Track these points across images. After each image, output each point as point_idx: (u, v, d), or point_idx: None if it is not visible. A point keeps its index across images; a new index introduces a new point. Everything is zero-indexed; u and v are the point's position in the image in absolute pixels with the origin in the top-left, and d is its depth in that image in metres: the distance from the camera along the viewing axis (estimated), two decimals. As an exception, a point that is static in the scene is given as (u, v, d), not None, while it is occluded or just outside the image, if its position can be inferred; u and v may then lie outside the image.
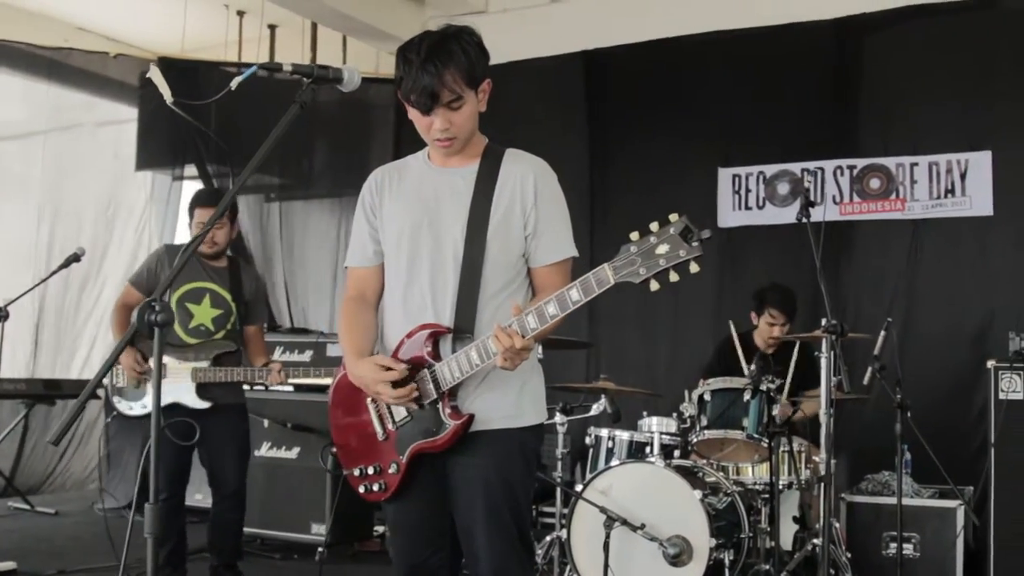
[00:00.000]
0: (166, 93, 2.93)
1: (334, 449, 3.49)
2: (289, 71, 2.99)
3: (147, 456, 5.73)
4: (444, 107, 3.15)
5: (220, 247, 5.85)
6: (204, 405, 5.61)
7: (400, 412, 3.27)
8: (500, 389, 3.22)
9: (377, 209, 3.42)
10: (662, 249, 2.81)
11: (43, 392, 7.73)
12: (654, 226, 2.84)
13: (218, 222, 5.71)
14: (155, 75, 2.80)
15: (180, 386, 5.60)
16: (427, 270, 3.27)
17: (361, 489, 3.39)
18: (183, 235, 8.35)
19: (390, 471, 3.29)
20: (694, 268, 2.80)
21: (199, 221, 5.80)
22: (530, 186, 3.26)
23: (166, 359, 5.64)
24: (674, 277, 2.82)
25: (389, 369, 3.17)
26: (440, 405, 3.19)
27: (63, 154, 9.45)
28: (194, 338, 5.71)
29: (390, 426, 3.30)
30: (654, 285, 2.84)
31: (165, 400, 5.62)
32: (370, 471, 3.34)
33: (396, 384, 3.16)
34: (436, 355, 3.19)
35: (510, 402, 3.24)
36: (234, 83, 2.94)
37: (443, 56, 3.12)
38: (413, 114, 3.24)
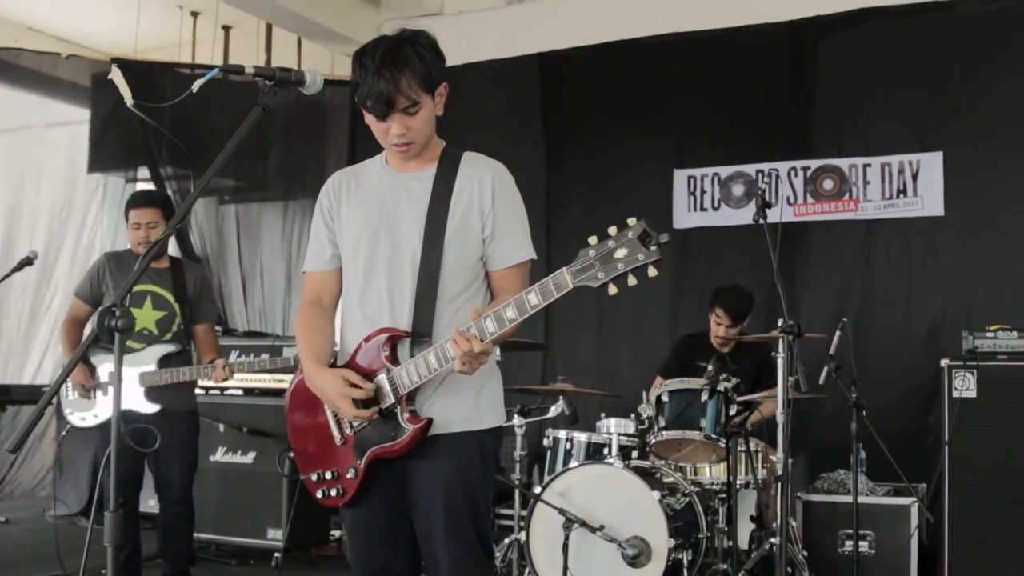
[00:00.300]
0: (127, 95, 2.91)
1: (291, 454, 3.47)
2: (251, 74, 2.97)
3: (105, 464, 5.73)
4: (401, 112, 3.15)
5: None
6: (154, 408, 5.58)
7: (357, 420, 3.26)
8: (458, 392, 3.22)
9: (335, 213, 3.41)
10: (620, 253, 2.82)
11: (-8, 398, 7.63)
12: (612, 230, 2.85)
13: (152, 221, 5.78)
14: (116, 76, 2.78)
15: (129, 391, 5.55)
16: (384, 275, 3.27)
17: (319, 494, 3.37)
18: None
19: (348, 476, 3.28)
20: (652, 272, 2.81)
21: (134, 222, 5.80)
22: (488, 189, 3.26)
23: (112, 366, 5.59)
24: (632, 281, 2.83)
25: (354, 386, 3.16)
26: (398, 410, 3.18)
27: (14, 156, 9.34)
28: (139, 343, 5.67)
29: (348, 431, 3.29)
30: (612, 289, 2.86)
31: (110, 410, 5.58)
32: (328, 476, 3.33)
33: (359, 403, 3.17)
34: (394, 359, 3.19)
35: (468, 405, 3.24)
36: (196, 85, 2.90)
37: (399, 61, 3.11)
38: (370, 119, 3.24)
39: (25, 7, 9.20)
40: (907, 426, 6.88)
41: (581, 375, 7.36)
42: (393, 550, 3.35)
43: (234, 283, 9.37)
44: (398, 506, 3.30)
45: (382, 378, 3.18)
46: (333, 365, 3.30)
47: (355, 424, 3.26)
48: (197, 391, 5.94)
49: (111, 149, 9.34)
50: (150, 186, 9.02)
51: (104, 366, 5.69)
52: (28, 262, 5.94)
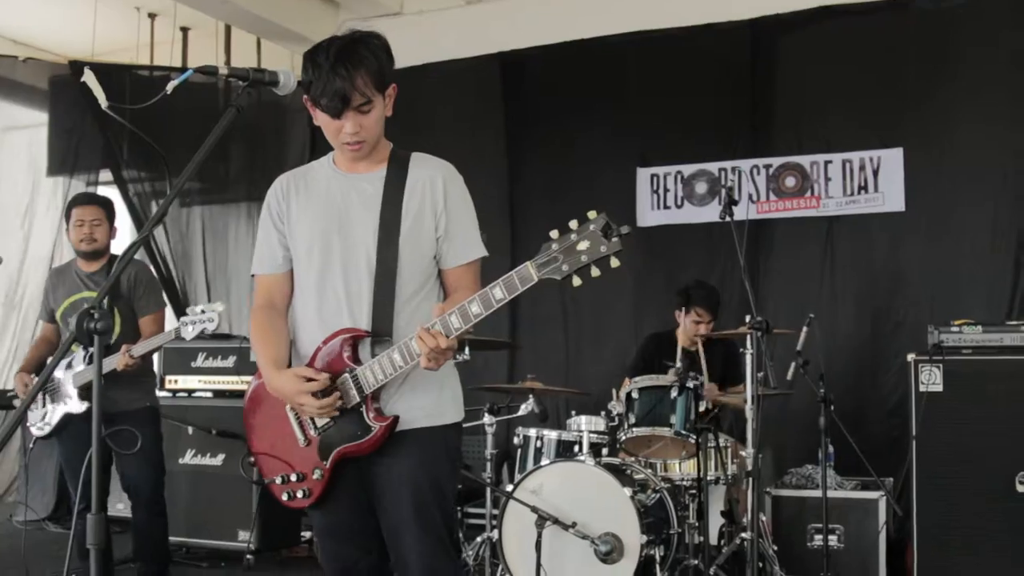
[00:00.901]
0: (101, 97, 2.87)
1: (252, 459, 3.46)
2: (225, 74, 2.98)
3: (83, 467, 5.68)
4: (354, 111, 3.18)
5: (99, 244, 5.79)
6: (84, 407, 5.47)
7: (322, 418, 3.26)
8: (421, 389, 3.25)
9: (284, 216, 3.42)
10: (583, 245, 2.87)
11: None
12: (574, 224, 2.91)
13: (96, 219, 5.78)
14: (90, 79, 2.76)
15: (68, 395, 5.56)
16: (340, 276, 3.28)
17: (284, 497, 3.37)
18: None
19: (314, 477, 3.28)
20: (615, 263, 2.87)
21: (78, 219, 5.78)
22: (440, 189, 3.31)
23: (58, 374, 5.62)
24: (595, 272, 2.88)
25: (311, 380, 3.17)
26: (364, 409, 3.19)
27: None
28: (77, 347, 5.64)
29: (312, 432, 3.29)
30: (576, 280, 2.89)
31: (58, 415, 5.63)
32: (292, 478, 3.32)
33: (319, 395, 3.18)
34: (356, 359, 3.21)
35: (431, 401, 3.27)
36: (170, 86, 2.89)
37: (353, 59, 3.14)
38: (321, 119, 3.25)
39: (-22, 10, 9.12)
40: (874, 421, 6.98)
41: (547, 373, 7.36)
42: (363, 549, 3.38)
43: (200, 285, 9.33)
44: (366, 504, 3.32)
45: (345, 377, 3.19)
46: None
47: (319, 424, 3.27)
48: (163, 394, 5.90)
49: (72, 152, 9.26)
50: (113, 189, 8.96)
51: (56, 372, 5.61)
52: (-8, 265, 5.90)
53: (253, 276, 3.53)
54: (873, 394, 7.10)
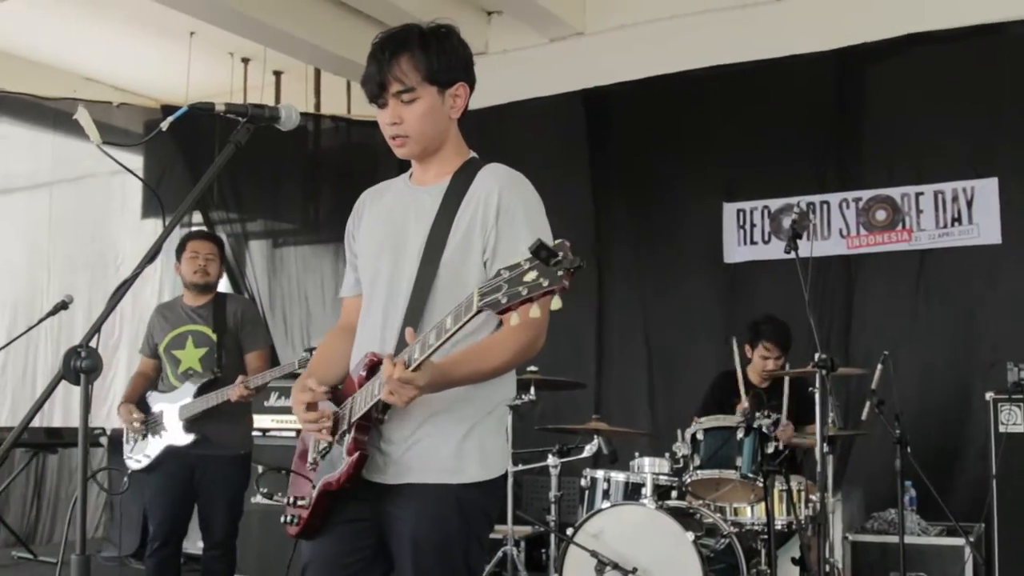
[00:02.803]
0: (93, 135, 2.87)
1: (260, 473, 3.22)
2: (222, 111, 2.94)
3: (150, 506, 5.73)
4: (395, 99, 2.93)
5: (211, 279, 5.87)
6: (189, 439, 5.55)
7: (322, 441, 2.99)
8: (440, 435, 2.88)
9: (356, 234, 3.22)
10: (530, 277, 2.34)
11: (45, 441, 7.71)
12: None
13: (211, 254, 5.87)
14: (82, 117, 2.76)
15: (172, 428, 5.61)
16: (383, 296, 3.02)
17: (282, 519, 3.09)
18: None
19: (302, 503, 3.00)
20: (556, 304, 2.33)
21: (192, 251, 5.86)
22: (493, 203, 2.93)
23: (163, 407, 5.67)
24: (556, 305, 2.32)
25: (309, 390, 2.95)
26: (347, 437, 2.88)
27: (69, 204, 9.49)
28: (183, 383, 5.72)
29: (315, 454, 3.02)
30: (514, 319, 2.38)
31: (159, 448, 5.66)
32: (294, 500, 3.06)
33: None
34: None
35: (448, 453, 2.89)
36: (165, 124, 2.91)
37: (398, 43, 2.93)
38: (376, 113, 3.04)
39: (81, 58, 9.39)
40: (963, 462, 6.68)
41: (630, 412, 7.26)
42: None
43: (293, 325, 9.40)
44: (367, 552, 2.97)
45: (347, 402, 2.94)
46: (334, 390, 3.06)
47: (319, 447, 2.99)
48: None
49: (165, 195, 9.45)
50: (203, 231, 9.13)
51: (158, 406, 5.73)
52: (63, 306, 5.99)
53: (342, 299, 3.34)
54: (963, 434, 6.80)
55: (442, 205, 2.98)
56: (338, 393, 3.04)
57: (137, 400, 5.86)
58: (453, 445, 2.89)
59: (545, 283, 2.29)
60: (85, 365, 2.67)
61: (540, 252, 2.29)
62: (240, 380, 5.46)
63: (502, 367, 2.90)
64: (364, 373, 2.91)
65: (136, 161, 9.43)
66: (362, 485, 2.90)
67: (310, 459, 3.04)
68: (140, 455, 5.77)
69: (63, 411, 9.19)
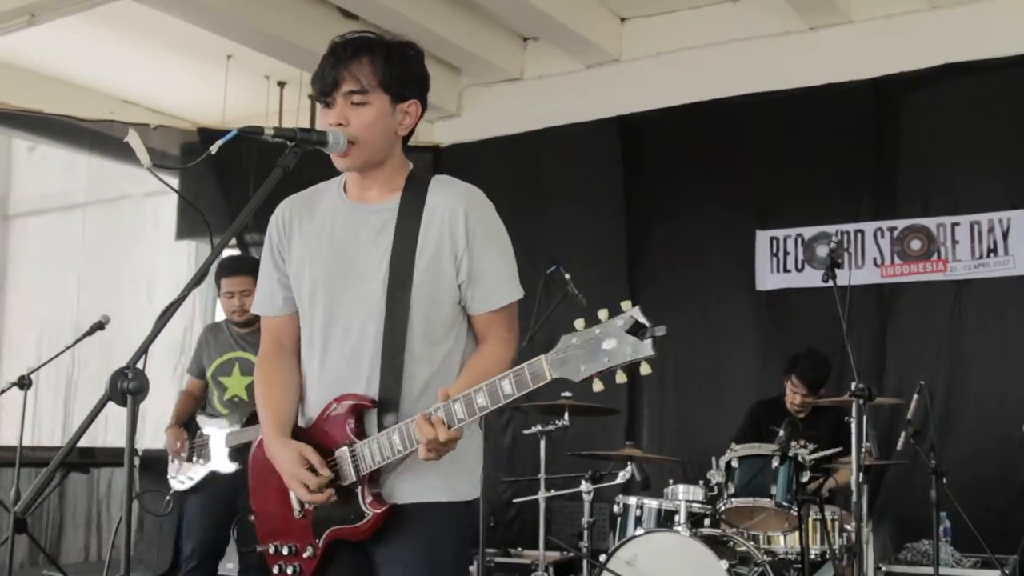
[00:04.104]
0: (144, 158, 2.87)
1: (251, 517, 3.08)
2: (271, 135, 2.89)
3: (186, 526, 5.74)
4: (344, 98, 2.83)
5: (250, 316, 5.70)
6: (233, 467, 5.58)
7: None
8: (430, 467, 2.78)
9: (285, 252, 3.03)
10: (608, 344, 2.42)
11: (78, 460, 7.72)
12: (603, 314, 2.48)
13: (246, 289, 5.73)
14: (133, 139, 2.76)
15: (217, 454, 5.65)
16: (344, 332, 2.87)
17: (275, 569, 2.98)
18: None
19: (306, 555, 2.89)
20: (645, 370, 2.45)
21: (227, 291, 5.85)
22: (460, 225, 2.84)
23: (209, 431, 5.71)
24: (621, 378, 2.47)
25: (311, 469, 2.79)
26: (360, 490, 2.80)
27: (103, 225, 9.55)
28: (228, 409, 5.74)
29: (308, 505, 2.89)
30: (597, 386, 2.50)
31: (203, 471, 5.72)
32: (285, 551, 2.94)
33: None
34: (360, 432, 2.81)
35: (437, 474, 2.82)
36: (214, 147, 2.87)
37: (361, 45, 2.86)
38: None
39: (120, 80, 9.45)
40: (997, 495, 6.64)
41: (664, 440, 7.23)
42: None
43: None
44: None
45: (344, 451, 2.81)
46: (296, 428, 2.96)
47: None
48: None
49: (199, 217, 9.51)
50: (236, 252, 9.15)
51: (207, 429, 5.78)
52: (100, 327, 6.04)
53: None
54: (998, 467, 6.76)
55: (398, 226, 2.87)
56: (309, 434, 2.92)
57: (186, 421, 5.91)
58: (443, 467, 2.78)
59: (629, 352, 2.44)
60: (132, 387, 2.67)
61: (637, 329, 2.39)
62: None
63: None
64: (354, 419, 2.82)
65: (173, 183, 9.50)
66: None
67: (300, 509, 2.92)
68: (183, 476, 5.82)
69: (93, 430, 9.23)
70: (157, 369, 6.08)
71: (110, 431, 9.20)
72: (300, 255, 3.00)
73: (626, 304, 2.45)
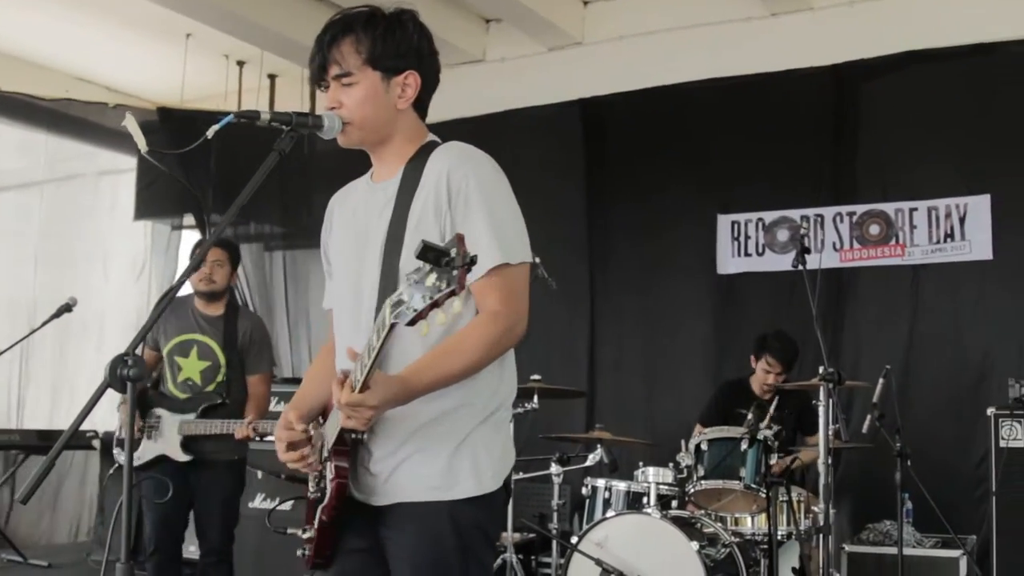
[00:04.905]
0: (140, 142, 2.85)
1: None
2: (267, 119, 2.85)
3: (137, 512, 5.66)
4: (335, 82, 2.81)
5: (217, 286, 5.73)
6: (186, 458, 5.53)
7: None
8: (429, 451, 2.70)
9: (329, 243, 3.08)
10: (430, 280, 2.15)
11: (37, 443, 7.67)
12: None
13: (218, 260, 5.73)
14: (130, 124, 2.74)
15: (169, 439, 5.56)
16: (352, 304, 2.84)
17: (298, 552, 2.95)
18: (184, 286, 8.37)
19: (306, 536, 2.86)
20: (456, 307, 2.18)
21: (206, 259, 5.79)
22: (443, 185, 2.73)
23: (161, 412, 5.63)
24: (441, 319, 2.19)
25: (290, 428, 2.79)
26: (327, 465, 2.74)
27: (61, 204, 9.48)
28: (183, 392, 5.66)
29: (315, 484, 2.86)
30: (423, 329, 2.22)
31: (154, 452, 5.61)
32: (304, 533, 2.89)
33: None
34: None
35: (439, 468, 2.70)
36: (210, 132, 2.84)
37: (342, 25, 2.82)
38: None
39: (75, 57, 9.33)
40: (956, 475, 6.74)
41: (623, 422, 7.27)
42: None
43: (280, 330, 9.37)
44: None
45: (326, 425, 2.82)
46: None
47: (317, 477, 2.84)
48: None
49: (157, 197, 9.44)
50: (195, 233, 9.10)
51: (158, 410, 5.67)
52: (67, 308, 5.98)
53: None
54: (956, 448, 6.86)
55: (397, 198, 2.82)
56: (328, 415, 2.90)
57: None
58: (444, 459, 2.70)
59: (443, 285, 2.14)
60: (132, 373, 2.64)
61: (427, 254, 2.14)
62: (250, 421, 5.42)
63: (473, 366, 2.66)
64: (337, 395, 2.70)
65: (130, 162, 9.43)
66: (359, 508, 2.77)
67: (312, 489, 2.87)
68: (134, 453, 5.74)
69: (52, 413, 9.17)
70: (116, 349, 6.03)
71: (72, 414, 9.15)
72: (335, 244, 3.03)
73: (449, 241, 2.18)
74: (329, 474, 2.73)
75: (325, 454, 2.76)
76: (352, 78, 2.80)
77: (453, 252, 2.12)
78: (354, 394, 2.49)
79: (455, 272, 2.12)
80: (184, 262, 5.85)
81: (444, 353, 2.62)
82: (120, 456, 5.79)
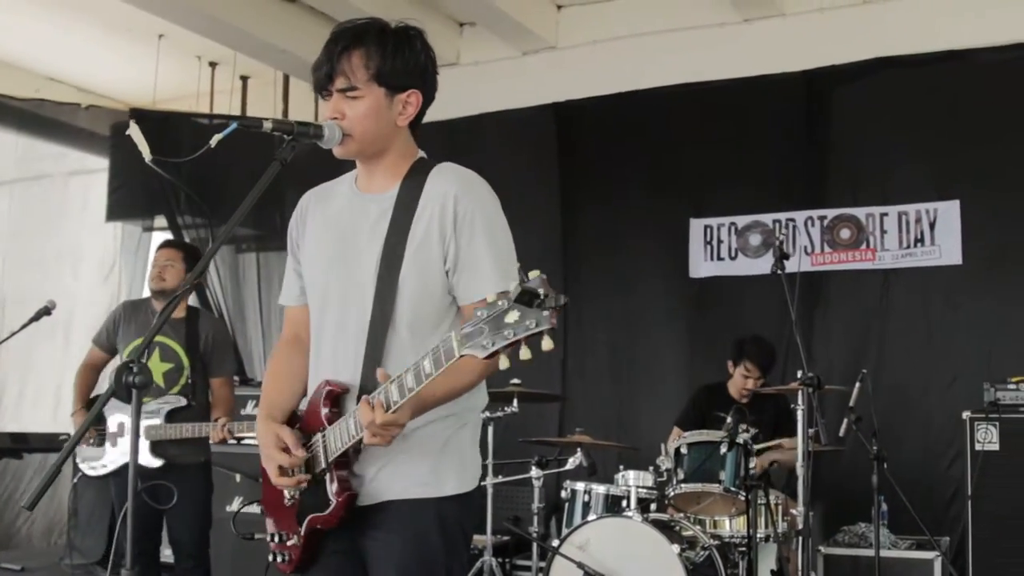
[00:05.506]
0: (145, 151, 2.84)
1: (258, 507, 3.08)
2: (270, 128, 2.86)
3: (122, 519, 5.63)
4: (339, 93, 2.82)
5: (166, 285, 5.69)
6: (157, 463, 5.48)
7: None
8: (417, 454, 2.79)
9: (300, 241, 3.06)
10: (511, 317, 2.25)
11: (10, 445, 7.60)
12: (512, 285, 2.30)
13: (170, 260, 5.75)
14: (134, 132, 2.73)
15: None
16: (335, 317, 2.88)
17: (270, 557, 3.00)
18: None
19: (291, 542, 2.90)
20: (547, 345, 2.26)
21: (154, 261, 5.83)
22: (449, 210, 2.78)
23: (123, 417, 5.61)
24: (525, 354, 2.28)
25: (286, 451, 2.80)
26: (328, 476, 2.79)
27: (31, 204, 9.40)
28: (145, 396, 5.60)
29: (293, 491, 2.90)
30: (503, 363, 2.31)
31: (120, 460, 5.59)
32: (277, 538, 2.96)
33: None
34: (336, 418, 2.79)
35: (426, 468, 2.80)
36: (214, 140, 2.83)
37: (353, 37, 2.82)
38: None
39: (46, 57, 9.26)
40: (930, 478, 6.84)
41: (599, 426, 7.31)
42: None
43: (253, 332, 9.34)
44: None
45: (318, 437, 2.82)
46: (293, 416, 2.96)
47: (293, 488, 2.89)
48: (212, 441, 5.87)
49: (129, 198, 9.39)
50: (167, 235, 9.06)
51: (113, 417, 5.64)
52: (46, 312, 5.94)
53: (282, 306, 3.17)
54: (929, 451, 6.96)
55: (394, 215, 2.85)
56: (300, 421, 2.93)
57: (89, 396, 5.77)
58: (431, 460, 2.81)
59: (532, 324, 2.23)
60: (138, 381, 2.65)
61: (523, 296, 2.24)
62: (223, 424, 5.42)
63: (476, 381, 2.81)
64: (328, 405, 2.82)
65: (101, 163, 9.36)
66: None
67: (288, 496, 2.91)
68: (95, 463, 5.68)
69: (18, 415, 9.10)
70: (84, 350, 6.01)
71: (39, 414, 9.09)
72: (310, 245, 3.02)
73: (533, 274, 2.29)
74: (333, 487, 2.78)
75: (323, 466, 2.80)
76: (358, 92, 2.82)
77: (543, 293, 2.24)
78: (387, 414, 2.57)
79: (546, 314, 2.23)
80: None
81: (455, 369, 2.59)
82: (82, 464, 5.76)
